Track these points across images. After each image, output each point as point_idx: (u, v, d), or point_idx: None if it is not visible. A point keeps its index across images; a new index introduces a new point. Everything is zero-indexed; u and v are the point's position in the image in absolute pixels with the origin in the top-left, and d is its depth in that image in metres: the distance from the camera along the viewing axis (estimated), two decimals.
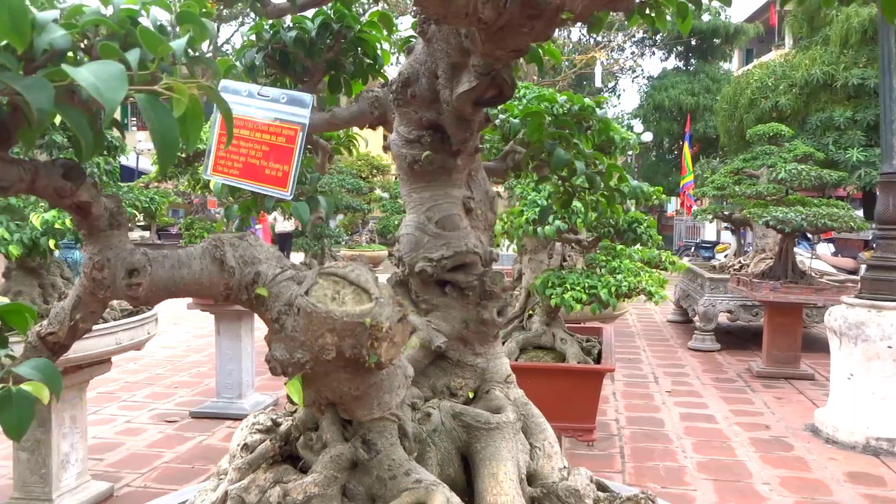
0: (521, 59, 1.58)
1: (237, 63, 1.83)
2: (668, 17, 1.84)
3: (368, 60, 1.95)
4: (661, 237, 4.43)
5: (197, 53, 0.93)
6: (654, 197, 4.17)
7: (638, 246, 4.30)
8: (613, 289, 3.70)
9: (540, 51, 1.93)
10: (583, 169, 1.66)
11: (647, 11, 1.79)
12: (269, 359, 1.02)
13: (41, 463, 3.95)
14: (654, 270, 3.95)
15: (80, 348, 3.73)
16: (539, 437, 1.56)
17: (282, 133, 1.35)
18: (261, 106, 1.39)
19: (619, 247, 4.03)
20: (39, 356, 1.06)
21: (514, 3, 1.20)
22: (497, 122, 1.97)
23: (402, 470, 1.25)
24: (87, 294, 1.00)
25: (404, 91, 1.46)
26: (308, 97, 1.38)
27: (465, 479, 1.43)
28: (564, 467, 1.51)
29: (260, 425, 1.39)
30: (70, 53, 0.84)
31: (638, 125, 25.63)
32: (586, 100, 2.06)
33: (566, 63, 19.82)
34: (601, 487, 1.68)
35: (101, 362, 4.15)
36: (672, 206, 23.68)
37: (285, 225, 13.77)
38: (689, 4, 1.75)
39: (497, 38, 1.30)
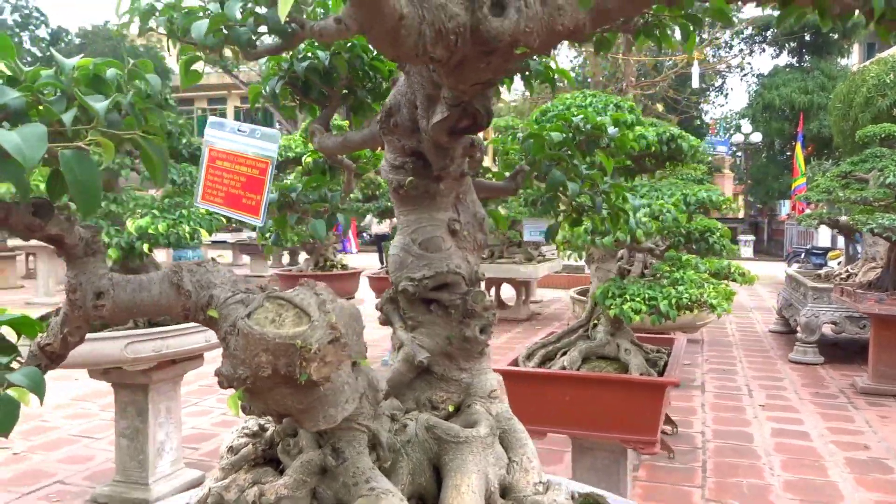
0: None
1: (263, 90, 1.98)
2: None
3: (386, 84, 2.05)
4: (735, 245, 4.29)
5: (150, 105, 1.06)
6: (724, 206, 4.06)
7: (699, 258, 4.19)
8: (674, 301, 3.64)
9: (551, 71, 1.97)
10: (575, 189, 1.70)
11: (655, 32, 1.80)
12: (217, 373, 1.14)
13: (139, 450, 4.31)
14: (721, 282, 3.84)
15: (173, 345, 4.04)
16: (518, 452, 1.61)
17: (256, 166, 1.48)
18: (241, 141, 1.52)
19: (685, 257, 3.94)
20: (38, 363, 1.23)
21: (464, 42, 1.27)
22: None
23: (364, 478, 1.35)
24: (70, 312, 1.16)
25: (388, 120, 1.56)
26: (276, 133, 1.50)
27: (437, 489, 1.51)
28: (541, 482, 1.55)
29: (248, 429, 1.52)
30: (32, 111, 0.99)
31: (746, 125, 24.58)
32: (603, 118, 2.08)
33: (669, 62, 19.26)
34: (595, 502, 1.71)
35: (193, 358, 4.49)
36: (784, 209, 22.54)
37: (381, 226, 14.39)
38: (690, 25, 1.75)
39: (457, 74, 1.37)
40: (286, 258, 14.64)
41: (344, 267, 9.07)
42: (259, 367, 1.09)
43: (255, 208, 1.49)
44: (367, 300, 9.05)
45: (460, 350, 1.64)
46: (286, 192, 1.99)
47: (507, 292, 11.74)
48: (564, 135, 1.81)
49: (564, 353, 4.11)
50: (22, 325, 1.28)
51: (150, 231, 4.18)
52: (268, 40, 1.39)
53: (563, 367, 3.90)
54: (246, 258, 16.50)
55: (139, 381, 4.24)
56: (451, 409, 1.63)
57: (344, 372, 1.23)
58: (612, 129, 1.98)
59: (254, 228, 1.60)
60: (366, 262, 13.35)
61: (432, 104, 1.49)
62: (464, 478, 1.44)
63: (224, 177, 1.50)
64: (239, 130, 1.54)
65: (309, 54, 1.86)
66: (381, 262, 14.25)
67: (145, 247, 4.23)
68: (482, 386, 1.67)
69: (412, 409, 1.61)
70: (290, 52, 1.93)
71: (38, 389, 1.14)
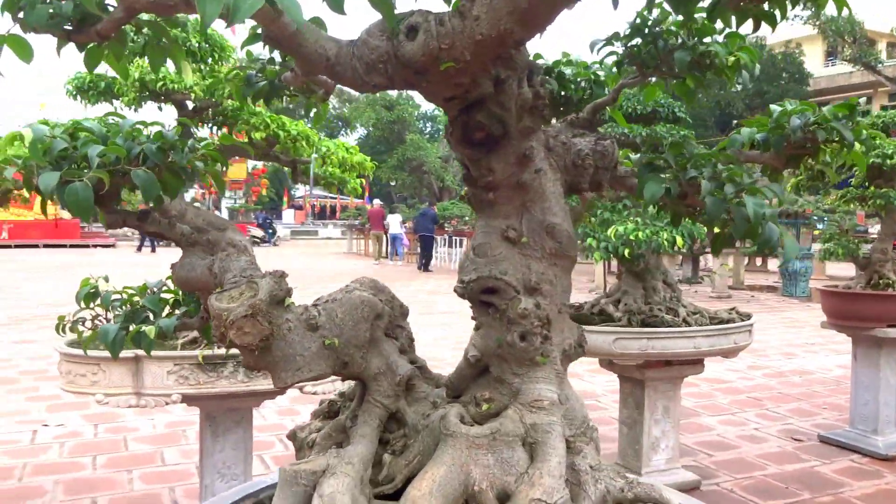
0: None
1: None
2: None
3: None
4: None
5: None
6: None
7: None
8: None
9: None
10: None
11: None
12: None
13: (635, 440, 4.79)
14: None
15: (658, 346, 4.41)
16: (536, 465, 1.56)
17: None
18: None
19: None
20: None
21: (395, 67, 1.43)
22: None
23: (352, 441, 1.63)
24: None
25: (446, 133, 1.72)
26: None
27: None
28: (540, 500, 1.49)
29: (341, 392, 1.89)
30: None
31: None
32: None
33: None
34: None
35: (691, 363, 4.73)
36: None
37: None
38: None
39: (425, 92, 1.50)
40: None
41: None
42: (217, 329, 1.50)
43: None
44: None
45: (509, 354, 1.68)
46: None
47: None
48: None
49: None
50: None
51: (630, 237, 4.68)
52: None
53: None
54: None
55: (635, 376, 4.70)
56: (486, 408, 1.68)
57: (297, 345, 1.54)
58: None
59: None
60: None
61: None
62: (434, 467, 1.53)
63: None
64: None
65: None
66: None
67: (626, 252, 4.72)
68: (529, 393, 1.66)
69: (467, 403, 1.73)
70: None
71: (147, 345, 1.81)
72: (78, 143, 1.54)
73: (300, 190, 52.20)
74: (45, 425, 5.58)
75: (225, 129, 4.45)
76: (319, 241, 41.39)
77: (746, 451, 5.45)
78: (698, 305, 4.86)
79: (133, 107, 4.45)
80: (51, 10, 1.23)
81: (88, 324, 2.12)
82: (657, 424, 4.67)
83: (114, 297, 1.99)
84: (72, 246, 30.68)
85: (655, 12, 1.84)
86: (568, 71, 2.11)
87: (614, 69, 2.01)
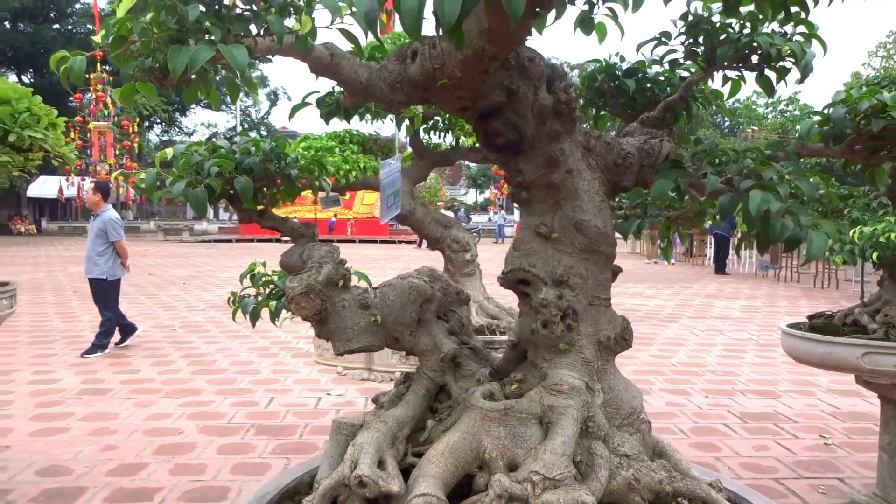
0: None
1: None
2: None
3: None
4: None
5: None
6: None
7: None
8: None
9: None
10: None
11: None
12: None
13: None
14: None
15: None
16: (546, 443, 1.69)
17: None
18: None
19: None
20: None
21: (408, 86, 1.69)
22: None
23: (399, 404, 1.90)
24: None
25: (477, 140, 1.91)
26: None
27: None
28: (546, 479, 1.62)
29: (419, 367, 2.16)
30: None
31: None
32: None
33: None
34: None
35: None
36: None
37: None
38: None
39: (442, 105, 1.72)
40: None
41: None
42: (288, 303, 1.88)
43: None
44: None
45: (539, 341, 1.82)
46: None
47: None
48: None
49: None
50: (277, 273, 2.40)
51: (881, 239, 4.41)
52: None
53: None
54: None
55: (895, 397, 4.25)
56: (514, 387, 1.84)
57: (349, 319, 1.85)
58: None
59: None
60: None
61: None
62: (451, 433, 1.74)
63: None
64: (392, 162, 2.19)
65: None
66: None
67: (874, 255, 4.46)
68: (552, 377, 1.78)
69: (507, 383, 1.91)
70: None
71: (277, 312, 2.24)
72: (207, 157, 2.04)
73: None
74: (328, 394, 6.54)
75: None
76: None
77: None
78: None
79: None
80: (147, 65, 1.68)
81: (251, 299, 2.66)
82: None
83: (263, 278, 2.49)
84: (381, 241, 34.38)
85: (696, 6, 1.83)
86: (651, 71, 2.15)
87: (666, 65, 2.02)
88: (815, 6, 1.58)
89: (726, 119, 47.67)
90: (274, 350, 8.21)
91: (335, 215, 34.26)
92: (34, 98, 4.39)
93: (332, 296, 1.86)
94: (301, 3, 1.43)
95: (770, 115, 43.13)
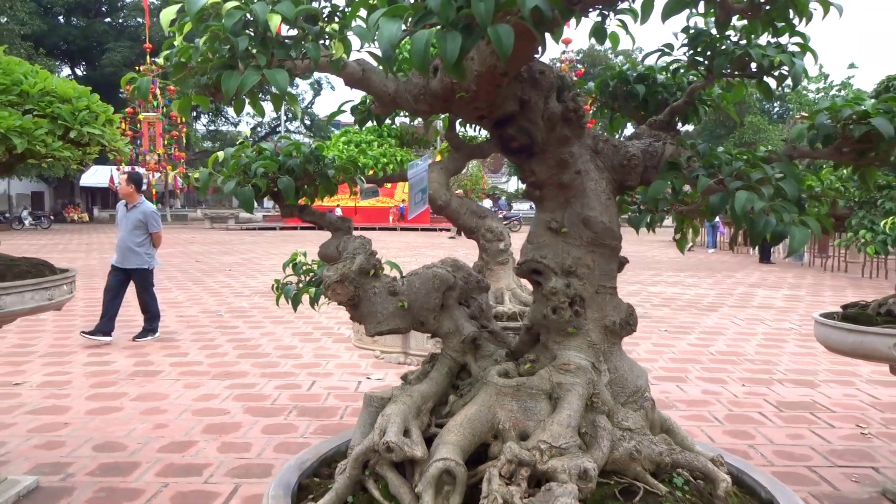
0: None
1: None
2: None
3: None
4: None
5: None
6: None
7: None
8: None
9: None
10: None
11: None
12: None
13: None
14: None
15: None
16: (553, 416, 1.89)
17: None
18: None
19: None
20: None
21: (430, 97, 1.89)
22: None
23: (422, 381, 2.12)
24: None
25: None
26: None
27: None
28: (553, 447, 1.82)
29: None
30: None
31: None
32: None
33: None
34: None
35: None
36: None
37: None
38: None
39: (461, 114, 1.91)
40: None
41: None
42: (325, 290, 2.10)
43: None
44: None
45: (550, 325, 2.02)
46: None
47: None
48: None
49: None
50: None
51: None
52: None
53: None
54: None
55: None
56: (527, 367, 2.04)
57: (379, 304, 2.07)
58: None
59: None
60: None
61: None
62: (469, 406, 1.95)
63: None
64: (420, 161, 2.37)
65: None
66: None
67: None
68: (561, 358, 1.98)
69: (522, 363, 2.11)
70: None
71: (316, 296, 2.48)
72: (254, 159, 2.27)
73: None
74: (368, 377, 6.82)
75: None
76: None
77: None
78: None
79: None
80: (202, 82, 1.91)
81: (293, 286, 2.90)
82: None
83: (304, 267, 2.73)
84: (422, 230, 34.74)
85: (696, 20, 1.99)
86: (661, 77, 2.31)
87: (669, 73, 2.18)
88: (800, 23, 1.73)
89: (776, 105, 46.71)
90: (316, 335, 8.52)
91: (403, 202, 34.68)
92: (92, 96, 4.69)
93: (364, 283, 2.08)
94: (334, 30, 1.64)
95: (819, 101, 42.13)
